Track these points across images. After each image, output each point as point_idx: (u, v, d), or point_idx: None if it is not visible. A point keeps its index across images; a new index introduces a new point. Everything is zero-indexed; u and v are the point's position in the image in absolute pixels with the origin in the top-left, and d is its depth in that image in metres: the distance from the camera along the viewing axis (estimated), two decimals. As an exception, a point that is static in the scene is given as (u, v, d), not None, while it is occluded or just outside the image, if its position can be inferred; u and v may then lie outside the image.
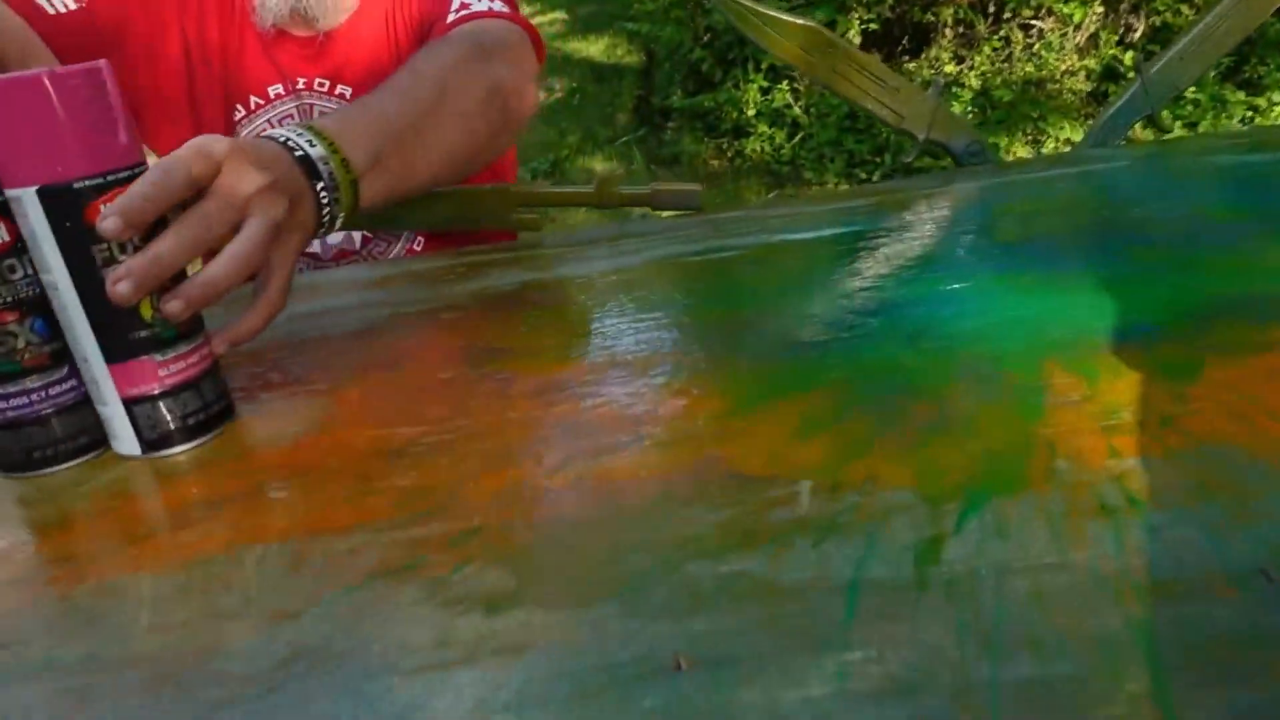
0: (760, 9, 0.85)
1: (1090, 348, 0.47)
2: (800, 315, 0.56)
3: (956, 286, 0.57)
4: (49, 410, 0.47)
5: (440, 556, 0.35)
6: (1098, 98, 4.34)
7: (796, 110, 4.67)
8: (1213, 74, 4.11)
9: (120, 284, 0.44)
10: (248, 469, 0.46)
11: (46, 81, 0.43)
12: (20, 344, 0.46)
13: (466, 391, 0.51)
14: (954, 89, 4.45)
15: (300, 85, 0.96)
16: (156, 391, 0.48)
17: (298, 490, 0.43)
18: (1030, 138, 4.19)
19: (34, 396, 0.47)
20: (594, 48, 8.31)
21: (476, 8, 0.86)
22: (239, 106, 0.96)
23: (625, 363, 0.52)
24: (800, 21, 0.84)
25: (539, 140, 6.13)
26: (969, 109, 4.23)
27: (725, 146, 4.92)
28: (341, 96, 0.97)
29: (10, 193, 0.44)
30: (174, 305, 0.47)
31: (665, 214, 0.87)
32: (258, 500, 0.42)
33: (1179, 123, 4.01)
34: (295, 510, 0.41)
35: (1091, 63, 4.29)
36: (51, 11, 0.83)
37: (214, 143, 0.50)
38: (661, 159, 5.27)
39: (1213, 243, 0.61)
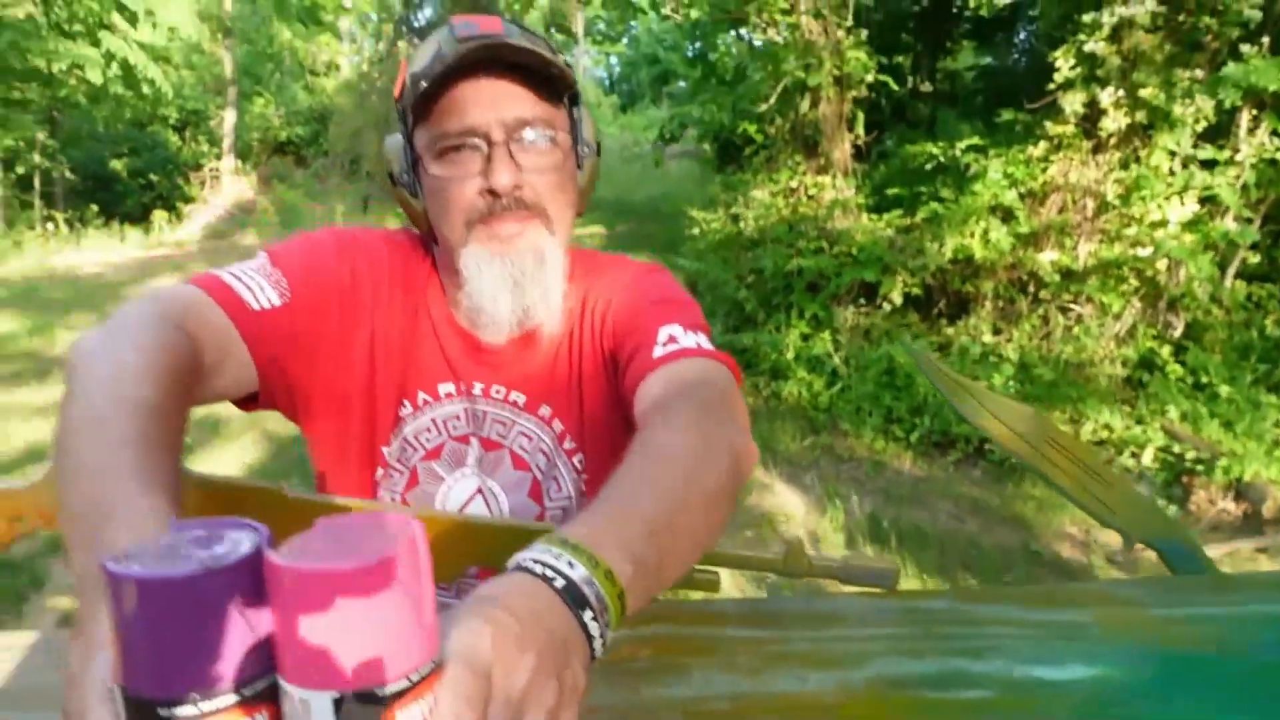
0: (977, 387, 0.82)
1: None
2: None
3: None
4: None
5: None
6: (1134, 385, 4.42)
7: (836, 360, 4.76)
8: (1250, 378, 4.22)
9: None
10: None
11: (374, 570, 0.37)
12: None
13: None
14: (992, 359, 4.55)
15: (477, 391, 0.93)
16: None
17: None
18: (1069, 417, 4.23)
19: None
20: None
21: (684, 343, 0.82)
22: (407, 401, 0.93)
23: None
24: (1020, 406, 0.82)
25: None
26: (1010, 382, 4.30)
27: (762, 386, 4.98)
28: (514, 404, 0.94)
29: (295, 690, 0.37)
30: None
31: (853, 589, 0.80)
32: None
33: (1216, 421, 4.05)
34: None
35: (1129, 352, 4.40)
36: (254, 307, 0.81)
37: (478, 644, 0.44)
38: (696, 388, 5.33)
39: None
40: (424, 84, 0.81)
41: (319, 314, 0.87)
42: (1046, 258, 4.57)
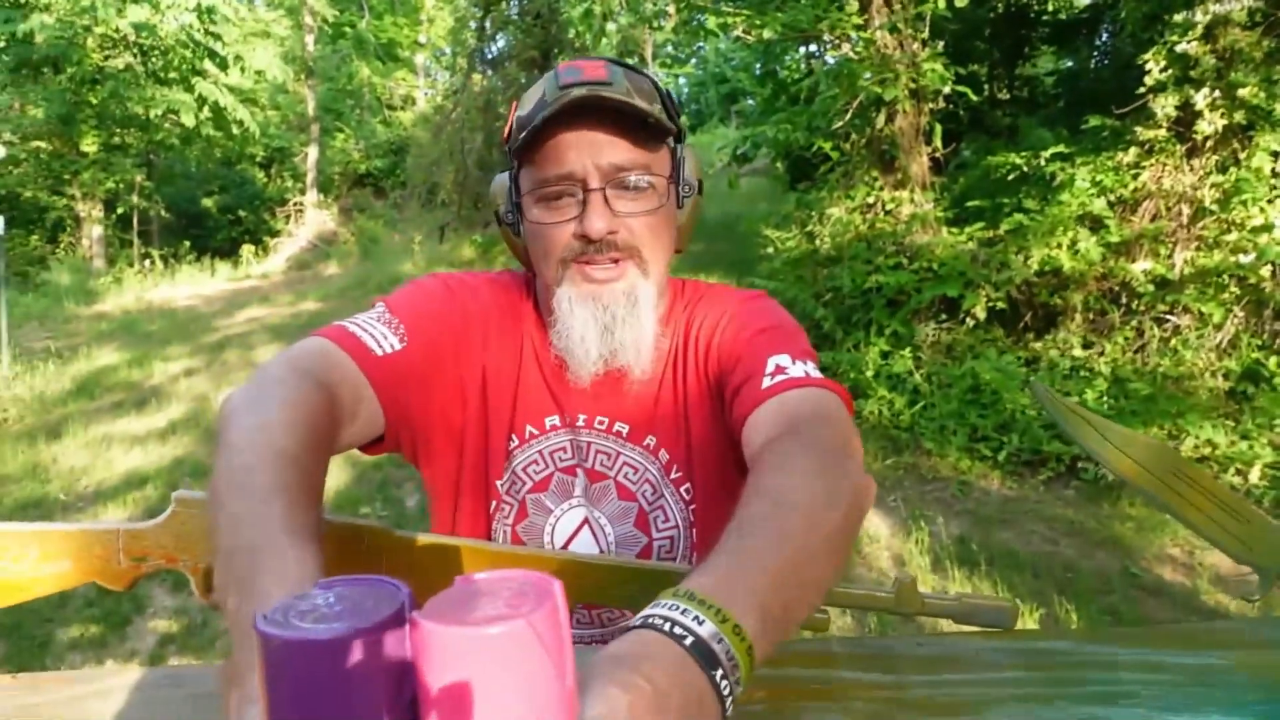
0: (1100, 419, 0.79)
1: None
2: None
3: None
4: None
5: None
6: (1238, 398, 4.21)
7: (918, 378, 4.65)
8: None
9: None
10: None
11: (525, 627, 0.36)
12: None
13: None
14: (1083, 373, 4.39)
15: (580, 422, 0.94)
16: None
17: None
18: (1167, 433, 4.04)
19: None
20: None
21: (793, 373, 0.81)
22: (514, 435, 0.94)
23: None
24: (1146, 438, 0.78)
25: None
26: (1103, 397, 4.14)
27: (842, 405, 4.90)
28: (618, 435, 0.94)
29: None
30: None
31: (970, 629, 0.78)
32: None
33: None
34: None
35: (1232, 364, 4.19)
36: (379, 353, 0.84)
37: (616, 711, 0.44)
38: (774, 408, 5.27)
39: None
40: (527, 129, 0.84)
41: (435, 355, 0.89)
42: (1140, 267, 4.40)
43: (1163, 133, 4.33)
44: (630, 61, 0.94)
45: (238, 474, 0.64)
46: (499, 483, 0.94)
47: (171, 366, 7.53)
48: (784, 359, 0.83)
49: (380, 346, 0.84)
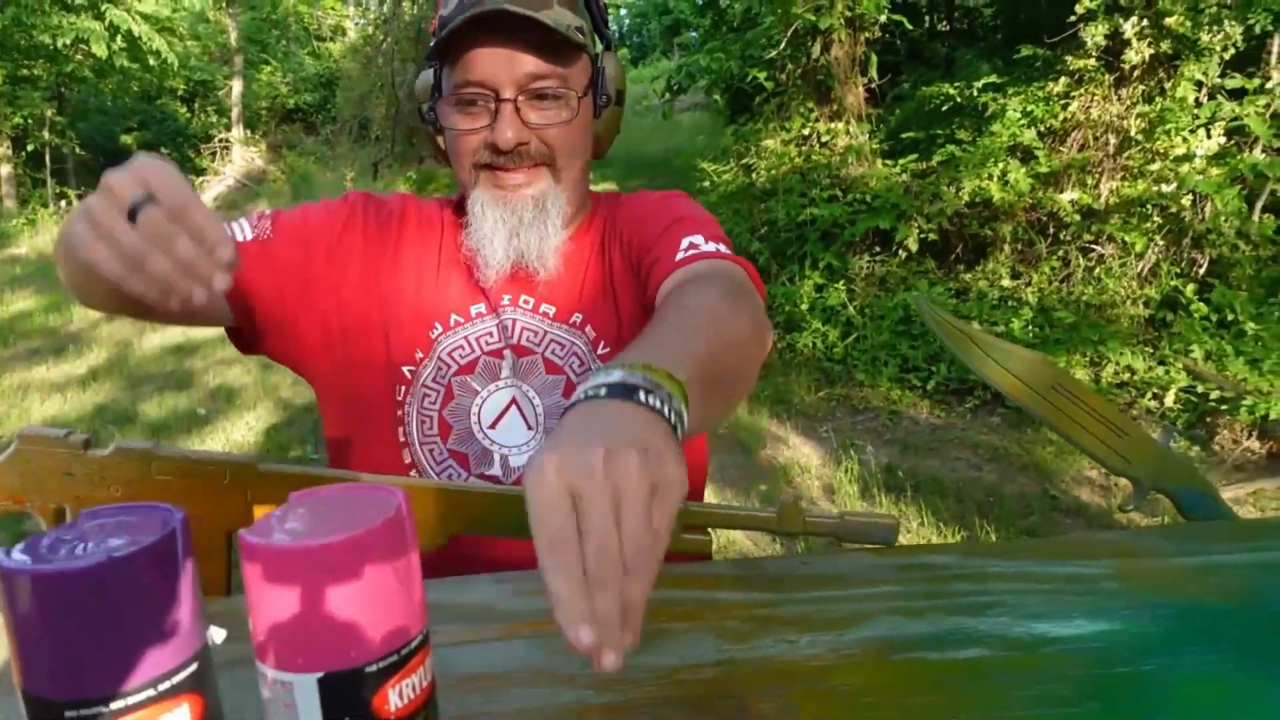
0: (983, 336, 0.78)
1: None
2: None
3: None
4: None
5: None
6: (1157, 325, 4.33)
7: (851, 310, 4.69)
8: None
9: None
10: None
11: (356, 541, 0.34)
12: None
13: None
14: (1011, 303, 4.47)
15: (505, 302, 0.98)
16: None
17: None
18: (1089, 360, 4.15)
19: None
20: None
21: (704, 249, 0.87)
22: (438, 323, 0.97)
23: None
24: (1027, 353, 0.77)
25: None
26: (1028, 326, 4.22)
27: (777, 339, 4.92)
28: (545, 315, 0.98)
29: (275, 674, 0.34)
30: (629, 640, 0.42)
31: (853, 546, 0.77)
32: None
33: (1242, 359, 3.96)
34: None
35: (1152, 291, 4.30)
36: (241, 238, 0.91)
37: (542, 471, 0.44)
38: (711, 343, 5.27)
39: None
40: (444, 31, 0.87)
41: (305, 251, 0.95)
42: (1067, 198, 4.46)
43: (1092, 62, 4.35)
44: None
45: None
46: (409, 369, 0.96)
47: (91, 312, 7.24)
48: (698, 239, 0.89)
49: (232, 236, 0.84)
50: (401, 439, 0.96)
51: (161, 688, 0.35)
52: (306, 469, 0.77)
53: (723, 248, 0.88)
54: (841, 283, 4.78)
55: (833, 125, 5.07)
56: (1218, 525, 0.80)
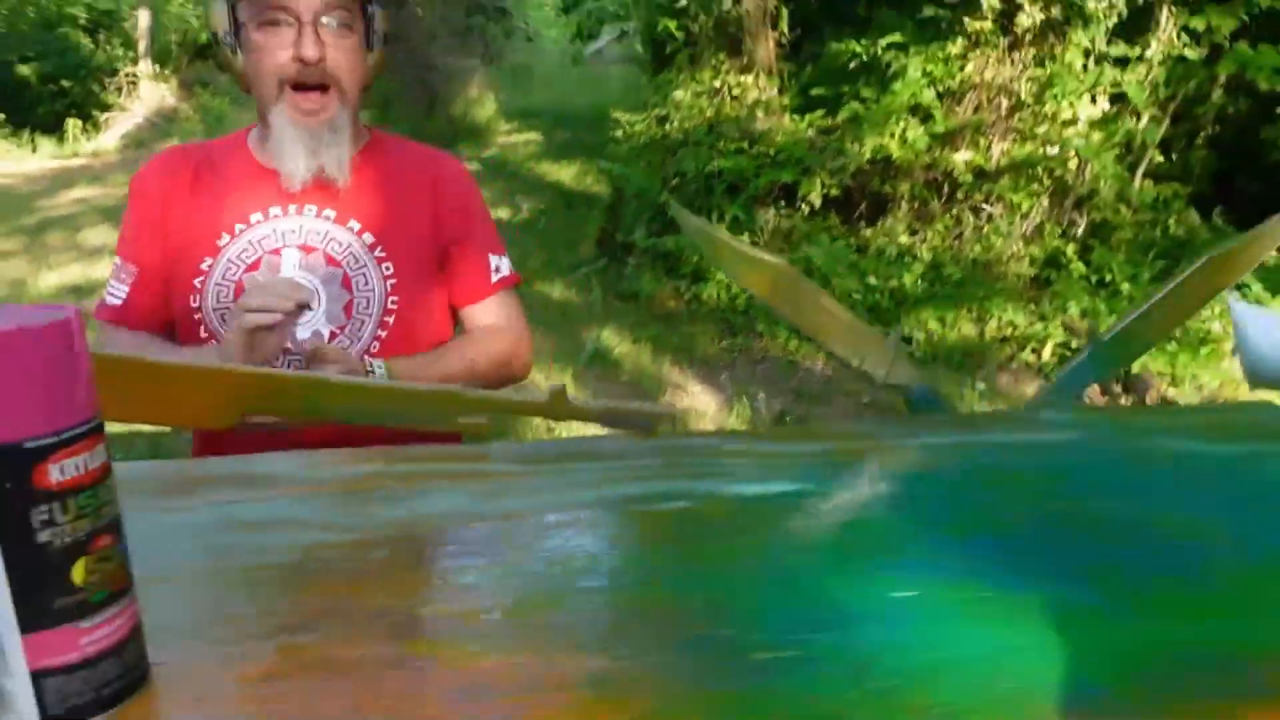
0: (734, 244, 0.86)
1: (1033, 713, 0.44)
2: (741, 618, 0.53)
3: (906, 595, 0.55)
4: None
5: None
6: (1040, 284, 4.55)
7: (755, 262, 4.80)
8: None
9: None
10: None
11: (19, 335, 0.39)
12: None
13: (373, 682, 0.46)
14: (906, 260, 4.63)
15: (291, 210, 1.17)
16: (75, 661, 0.43)
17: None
18: (975, 315, 4.35)
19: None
20: (565, 173, 8.53)
21: (504, 273, 1.28)
22: (225, 234, 1.16)
23: (545, 659, 0.48)
24: (772, 260, 0.85)
25: (501, 259, 6.20)
26: (919, 282, 4.40)
27: (683, 290, 5.01)
28: (326, 218, 1.18)
29: None
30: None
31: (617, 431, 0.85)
32: None
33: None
34: None
35: (1036, 251, 4.51)
36: (117, 303, 1.19)
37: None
38: (621, 293, 5.34)
39: (1176, 570, 0.59)
40: None
41: (156, 248, 1.18)
42: (961, 157, 4.62)
43: (988, 25, 4.48)
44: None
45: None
46: (200, 279, 1.15)
47: (-15, 252, 6.94)
48: (502, 261, 1.28)
49: (117, 296, 1.18)
50: (203, 334, 1.14)
51: (77, 432, 0.41)
52: (137, 358, 0.82)
53: (507, 264, 1.29)
54: (746, 235, 4.88)
55: (743, 79, 5.13)
56: (935, 418, 0.91)
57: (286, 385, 0.84)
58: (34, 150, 11.47)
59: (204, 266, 1.15)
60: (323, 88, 1.12)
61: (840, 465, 0.77)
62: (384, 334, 1.18)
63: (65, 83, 13.46)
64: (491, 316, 1.26)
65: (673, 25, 5.06)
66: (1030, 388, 4.07)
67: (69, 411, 0.41)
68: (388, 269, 1.20)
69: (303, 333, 1.14)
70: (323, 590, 0.56)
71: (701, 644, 0.50)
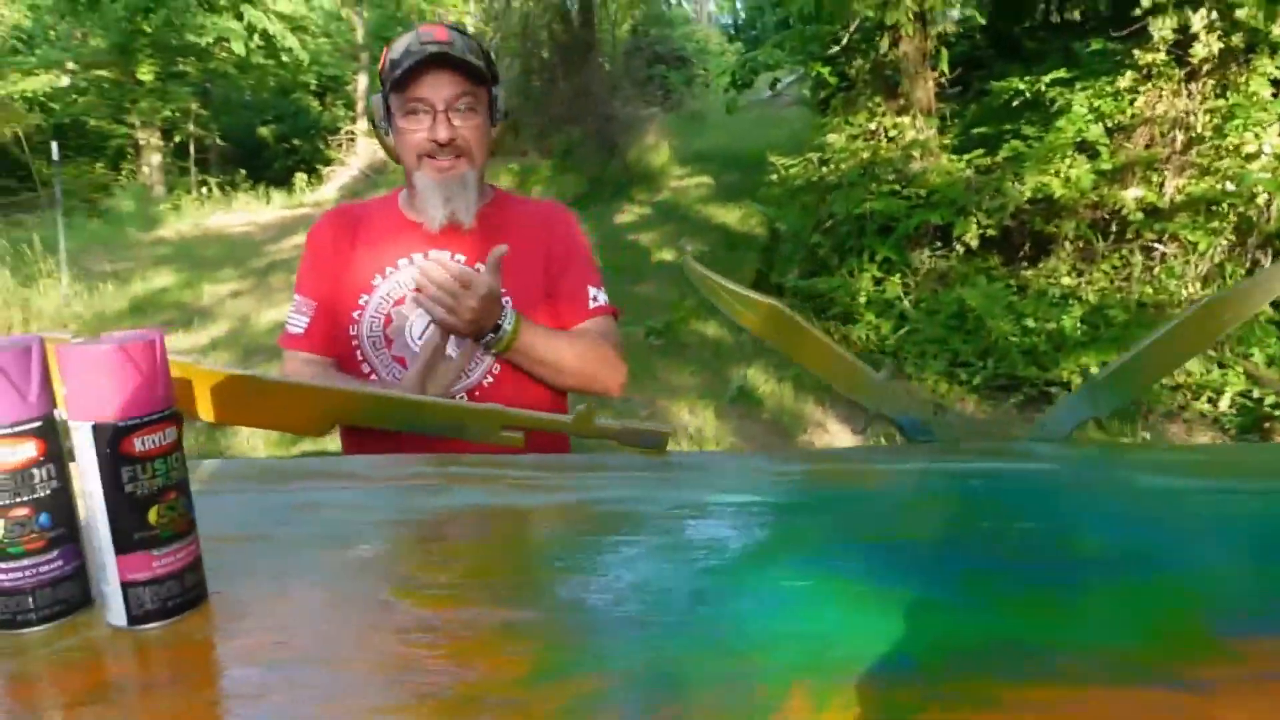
0: (730, 286, 0.97)
1: (845, 675, 0.54)
2: (651, 597, 0.65)
3: (796, 584, 0.65)
4: (34, 584, 0.62)
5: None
6: (1222, 327, 4.22)
7: (905, 304, 4.76)
8: None
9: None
10: (184, 655, 0.59)
11: (119, 352, 0.59)
12: (29, 533, 0.61)
13: (382, 613, 0.62)
14: (1069, 302, 4.44)
15: (429, 256, 1.40)
16: (147, 579, 0.62)
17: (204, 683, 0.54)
18: (1144, 359, 4.09)
19: (26, 573, 0.62)
20: (731, 215, 8.74)
21: (601, 302, 1.47)
22: (379, 275, 1.41)
23: (485, 609, 0.62)
24: (763, 300, 0.96)
25: (660, 299, 6.44)
26: (1079, 325, 4.21)
27: (832, 330, 5.03)
28: (456, 261, 1.40)
29: (71, 424, 0.60)
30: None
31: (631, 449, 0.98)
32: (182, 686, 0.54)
33: None
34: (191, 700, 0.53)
35: (1214, 292, 4.20)
36: (299, 331, 1.44)
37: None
38: (771, 332, 5.42)
39: (1041, 579, 0.66)
40: (400, 68, 1.32)
41: (326, 283, 1.44)
42: (1131, 195, 4.40)
43: (1161, 56, 4.27)
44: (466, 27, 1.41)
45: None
46: (357, 312, 1.41)
47: (220, 289, 7.97)
48: (600, 293, 1.48)
49: (298, 327, 1.43)
50: (359, 358, 1.40)
51: (151, 419, 0.61)
52: (233, 371, 1.04)
53: (604, 298, 1.48)
54: (898, 276, 4.85)
55: (899, 120, 5.13)
56: (924, 446, 0.97)
57: (363, 401, 1.03)
58: (268, 202, 13.00)
59: (360, 303, 1.40)
60: (455, 154, 1.37)
61: (805, 481, 0.87)
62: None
63: (296, 141, 15.18)
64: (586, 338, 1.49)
65: (826, 71, 5.15)
66: (1204, 439, 3.79)
67: (149, 403, 0.61)
68: (506, 302, 1.40)
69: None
70: (356, 554, 0.73)
71: (610, 613, 0.63)
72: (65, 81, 10.87)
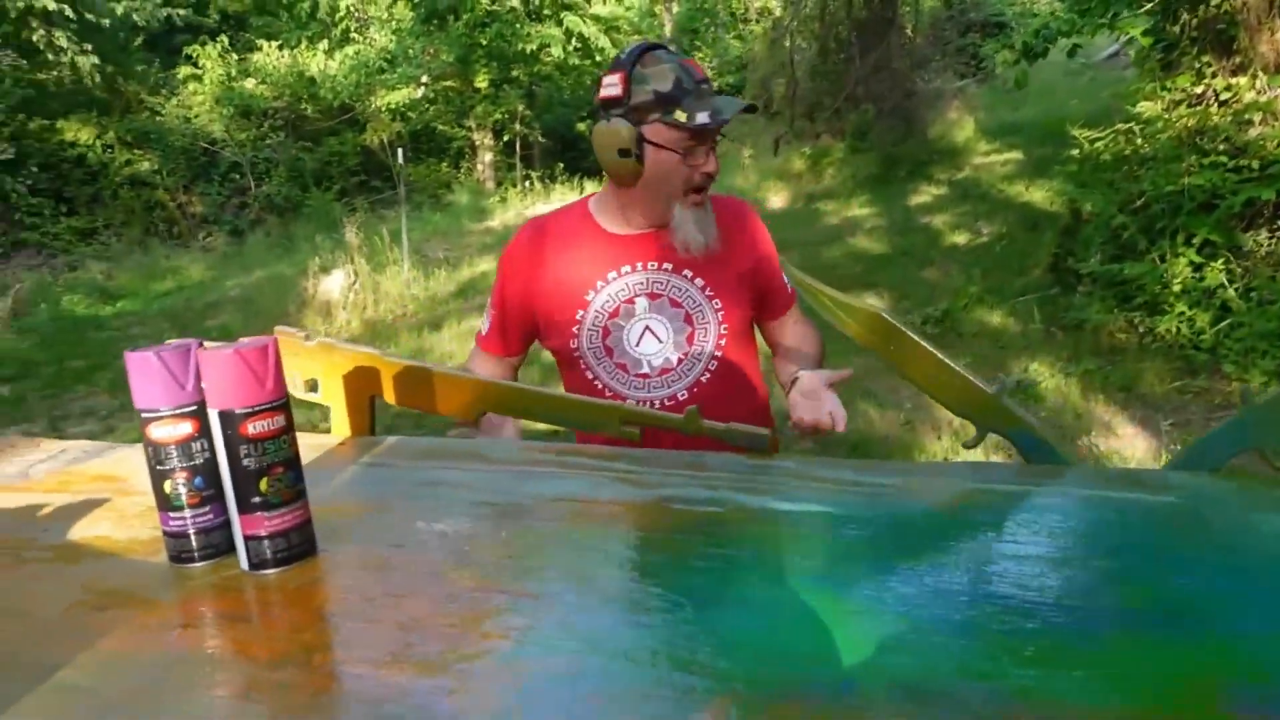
0: (830, 292, 0.95)
1: (784, 677, 0.55)
2: (673, 585, 0.70)
3: (800, 594, 0.66)
4: (194, 530, 0.81)
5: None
6: None
7: (1230, 293, 4.11)
8: None
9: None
10: (292, 598, 0.74)
11: (236, 355, 0.76)
12: (189, 491, 0.80)
13: (460, 633, 0.74)
14: None
15: (638, 268, 1.52)
16: (262, 534, 0.79)
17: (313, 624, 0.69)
18: None
19: (188, 522, 0.81)
20: (1038, 193, 8.00)
21: (789, 290, 1.63)
22: (591, 290, 1.52)
23: (495, 584, 0.71)
24: (863, 307, 0.93)
25: (946, 285, 6.10)
26: None
27: (1137, 321, 4.48)
28: (666, 270, 1.51)
29: (209, 410, 0.78)
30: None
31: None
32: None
33: None
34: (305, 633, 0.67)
35: None
36: (485, 332, 1.64)
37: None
38: (1063, 323, 4.94)
39: (1037, 619, 0.61)
40: (680, 107, 1.41)
41: (515, 299, 1.58)
42: None
43: None
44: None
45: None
46: (575, 328, 1.53)
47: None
48: (787, 282, 1.62)
49: (485, 328, 1.63)
50: (582, 366, 1.54)
51: (263, 408, 0.79)
52: (420, 364, 1.22)
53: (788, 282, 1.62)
54: (1221, 261, 4.20)
55: (1234, 80, 4.41)
56: (1044, 468, 0.87)
57: (500, 392, 1.16)
58: (581, 192, 14.04)
59: (578, 316, 1.52)
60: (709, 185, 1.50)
61: (882, 495, 0.85)
62: (719, 354, 1.53)
63: (606, 135, 16.16)
64: (798, 322, 1.64)
65: (1137, 30, 4.56)
66: None
67: (260, 394, 0.77)
68: (717, 305, 1.54)
69: (656, 360, 1.53)
70: (442, 527, 0.86)
71: (647, 598, 0.69)
72: (420, 93, 12.57)
